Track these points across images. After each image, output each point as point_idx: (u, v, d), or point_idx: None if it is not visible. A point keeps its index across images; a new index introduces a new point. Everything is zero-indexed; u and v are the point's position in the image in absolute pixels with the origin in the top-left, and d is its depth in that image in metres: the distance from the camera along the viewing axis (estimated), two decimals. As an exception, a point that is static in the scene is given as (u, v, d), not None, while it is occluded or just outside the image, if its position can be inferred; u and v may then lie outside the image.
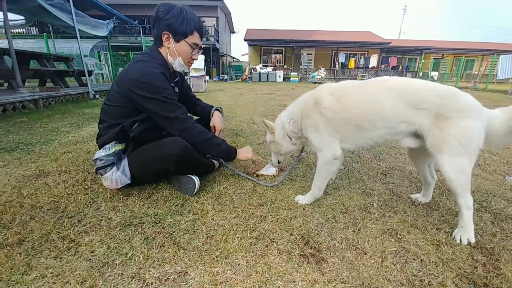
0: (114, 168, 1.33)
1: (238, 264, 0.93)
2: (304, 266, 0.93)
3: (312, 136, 1.31)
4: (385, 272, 0.92)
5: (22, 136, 2.48)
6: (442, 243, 1.08)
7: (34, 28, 13.44)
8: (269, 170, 1.77)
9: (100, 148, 1.36)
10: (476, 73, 19.85)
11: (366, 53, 19.39)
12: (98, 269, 0.89)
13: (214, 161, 1.70)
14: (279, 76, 15.33)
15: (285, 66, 18.45)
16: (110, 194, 1.40)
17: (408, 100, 1.08)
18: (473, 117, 1.02)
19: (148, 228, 1.12)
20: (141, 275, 0.87)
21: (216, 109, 1.80)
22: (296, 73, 15.60)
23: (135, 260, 0.93)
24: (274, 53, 20.01)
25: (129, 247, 1.00)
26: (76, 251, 0.97)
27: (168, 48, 1.37)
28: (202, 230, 1.12)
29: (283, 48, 19.70)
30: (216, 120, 1.73)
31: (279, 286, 0.85)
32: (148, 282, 0.84)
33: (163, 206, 1.30)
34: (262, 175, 1.73)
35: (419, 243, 1.07)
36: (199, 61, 7.50)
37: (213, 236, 1.09)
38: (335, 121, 1.22)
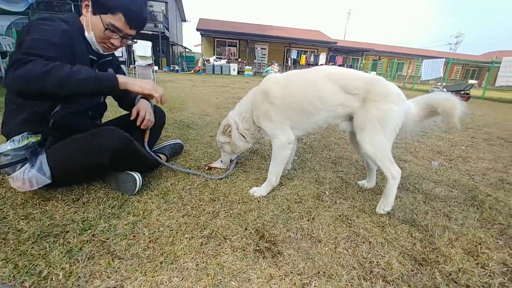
0: (27, 165, 1.06)
1: (187, 268, 0.82)
2: (260, 262, 0.88)
3: (265, 125, 1.34)
4: (339, 258, 0.92)
5: None
6: (386, 224, 1.14)
7: None
8: (219, 163, 1.67)
9: (7, 139, 1.07)
10: (405, 74, 22.85)
11: (316, 51, 20.49)
12: (-4, 298, 0.68)
13: (160, 155, 1.52)
14: (233, 69, 15.10)
15: (240, 60, 18.29)
16: (22, 199, 1.13)
17: (342, 86, 1.20)
18: (394, 102, 1.15)
19: (73, 237, 0.92)
20: (59, 297, 0.70)
21: (145, 99, 1.44)
22: (250, 67, 15.55)
23: (52, 279, 0.75)
24: (228, 46, 19.65)
25: (45, 264, 0.80)
26: (-38, 277, 0.73)
27: (85, 17, 1.11)
28: (144, 234, 0.97)
29: (237, 41, 19.47)
30: (141, 105, 1.38)
31: (233, 287, 0.77)
32: (68, 305, 0.68)
33: (95, 210, 1.09)
34: (214, 168, 1.62)
35: (367, 226, 1.12)
36: (146, 48, 6.84)
37: (157, 239, 0.95)
38: (283, 108, 1.28)
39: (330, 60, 19.39)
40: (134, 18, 1.11)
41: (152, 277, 0.78)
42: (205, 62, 15.79)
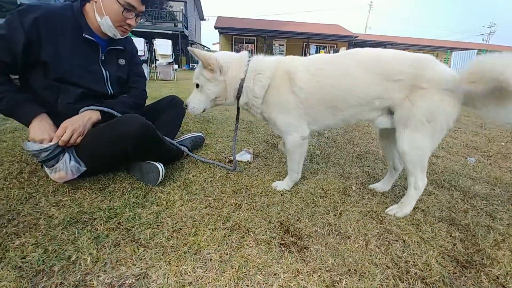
0: (66, 155, 1.09)
1: (210, 260, 0.80)
2: (285, 256, 0.84)
3: (278, 117, 1.15)
4: (370, 255, 0.86)
5: None
6: (421, 222, 1.06)
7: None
8: (244, 156, 1.64)
9: None
10: None
11: (335, 45, 19.91)
12: (30, 279, 0.70)
13: (183, 147, 1.52)
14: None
15: (258, 57, 18.21)
16: (53, 187, 1.17)
17: (381, 72, 0.99)
18: (447, 90, 0.91)
19: (100, 224, 0.94)
20: (87, 282, 0.70)
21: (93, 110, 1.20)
22: (268, 64, 15.50)
23: (80, 264, 0.76)
24: (246, 43, 19.63)
25: (74, 249, 0.81)
26: (2, 257, 0.76)
27: (95, 2, 1.12)
28: (168, 223, 0.96)
29: (255, 38, 19.39)
30: (67, 122, 1.10)
31: (258, 281, 0.74)
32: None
33: (120, 199, 1.11)
34: (238, 161, 1.60)
35: (400, 224, 1.04)
36: (166, 47, 6.99)
37: (180, 229, 0.94)
38: (308, 103, 1.10)
39: (351, 55, 18.82)
40: None
41: (176, 266, 0.77)
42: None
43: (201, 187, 1.25)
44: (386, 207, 1.16)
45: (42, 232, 0.88)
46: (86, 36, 1.14)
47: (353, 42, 19.65)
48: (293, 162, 1.23)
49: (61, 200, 1.08)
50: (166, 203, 1.10)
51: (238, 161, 1.60)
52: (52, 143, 1.07)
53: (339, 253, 0.87)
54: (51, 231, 0.89)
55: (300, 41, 19.47)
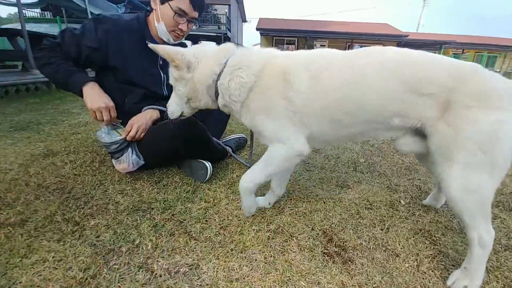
0: (129, 149, 1.25)
1: (256, 260, 0.84)
2: (329, 266, 0.83)
3: (263, 123, 0.89)
4: (423, 278, 0.81)
5: (33, 116, 2.44)
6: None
7: (47, 12, 13.50)
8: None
9: None
10: (499, 70, 18.86)
11: (382, 45, 18.67)
12: (103, 256, 0.81)
13: (228, 147, 1.59)
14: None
15: (298, 58, 18.01)
16: (118, 177, 1.33)
17: (407, 81, 0.74)
18: (506, 108, 0.66)
19: (157, 214, 1.04)
20: (149, 265, 0.79)
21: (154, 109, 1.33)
22: (308, 65, 15.24)
23: (142, 248, 0.86)
24: (287, 44, 19.53)
25: (137, 234, 0.92)
26: (80, 235, 0.90)
27: (155, 10, 1.24)
28: (215, 220, 1.03)
29: (296, 39, 19.19)
30: (134, 120, 1.25)
31: (302, 287, 0.75)
32: (156, 274, 0.76)
33: (173, 192, 1.22)
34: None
35: (457, 248, 0.95)
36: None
37: (226, 226, 1.00)
38: (305, 111, 0.85)
39: (400, 56, 17.46)
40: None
41: (224, 261, 0.82)
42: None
43: (244, 188, 1.31)
44: (441, 227, 1.07)
45: (111, 215, 1.02)
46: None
47: (403, 41, 18.20)
48: (268, 167, 0.93)
49: (125, 189, 1.22)
50: (213, 200, 1.17)
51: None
52: (120, 137, 1.22)
53: (387, 270, 0.83)
54: (118, 216, 1.02)
55: (343, 41, 18.69)
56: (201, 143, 1.30)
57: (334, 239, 0.96)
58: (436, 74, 0.73)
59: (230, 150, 1.58)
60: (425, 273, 0.83)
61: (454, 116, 0.70)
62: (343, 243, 0.95)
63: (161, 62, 1.36)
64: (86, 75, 1.21)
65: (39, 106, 2.93)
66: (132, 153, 1.28)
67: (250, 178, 0.95)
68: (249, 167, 1.16)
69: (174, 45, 1.38)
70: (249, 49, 0.97)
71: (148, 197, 1.16)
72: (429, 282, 0.79)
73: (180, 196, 1.19)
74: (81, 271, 0.75)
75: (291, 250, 0.90)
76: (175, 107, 1.01)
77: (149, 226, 0.96)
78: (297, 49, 19.13)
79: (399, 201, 1.27)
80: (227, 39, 18.25)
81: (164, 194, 1.20)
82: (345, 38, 18.29)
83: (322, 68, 0.84)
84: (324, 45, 19.07)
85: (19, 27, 3.90)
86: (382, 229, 1.04)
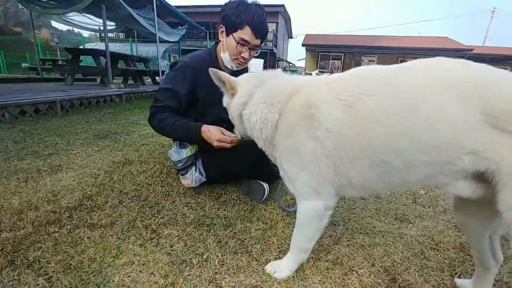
0: (193, 168, 1.39)
1: (316, 289, 0.85)
2: (395, 309, 0.80)
3: (291, 171, 0.79)
4: None
5: (110, 125, 2.86)
6: None
7: (121, 33, 15.75)
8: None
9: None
10: None
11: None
12: (178, 266, 0.91)
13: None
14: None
15: (343, 73, 17.61)
16: (183, 189, 1.48)
17: (488, 110, 0.54)
18: None
19: (220, 230, 1.13)
20: (217, 280, 0.86)
21: None
22: (354, 81, 14.76)
23: (210, 263, 0.94)
24: (332, 59, 19.30)
25: (204, 248, 1.01)
26: (157, 242, 1.03)
27: (221, 42, 1.36)
28: (274, 242, 1.07)
29: (342, 54, 18.85)
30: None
31: (366, 328, 0.74)
32: (224, 289, 0.83)
33: (232, 209, 1.30)
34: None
35: (553, 311, 0.83)
36: (259, 65, 7.67)
37: (285, 251, 1.03)
38: (340, 154, 0.69)
39: (461, 72, 15.79)
40: (258, 28, 1.28)
41: (285, 286, 0.85)
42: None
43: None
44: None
45: (181, 227, 1.13)
46: None
47: (465, 56, 16.46)
48: (303, 238, 0.88)
49: (189, 202, 1.35)
50: (270, 221, 1.22)
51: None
52: (185, 156, 1.36)
53: (463, 325, 0.76)
54: (186, 228, 1.13)
55: (395, 56, 17.71)
56: (265, 167, 1.38)
57: (398, 280, 0.92)
58: None
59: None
60: (512, 337, 0.74)
61: None
62: (408, 285, 0.90)
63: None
64: (192, 123, 1.32)
65: (113, 116, 3.41)
66: (196, 170, 1.41)
67: (297, 251, 0.90)
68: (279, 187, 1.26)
69: (237, 71, 1.52)
70: (281, 78, 0.87)
71: (210, 213, 1.27)
72: None
73: (239, 214, 1.27)
74: (161, 278, 0.85)
75: (352, 285, 0.88)
76: (236, 130, 1.07)
77: (214, 241, 1.05)
78: (343, 65, 18.74)
79: (467, 243, 1.15)
80: (272, 55, 18.81)
81: (225, 210, 1.29)
82: (397, 54, 17.32)
83: (359, 93, 0.65)
84: (373, 61, 18.32)
85: (99, 47, 4.61)
86: (452, 275, 0.96)
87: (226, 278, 0.88)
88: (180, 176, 1.45)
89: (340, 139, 0.67)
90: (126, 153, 2.00)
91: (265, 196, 1.35)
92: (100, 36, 15.46)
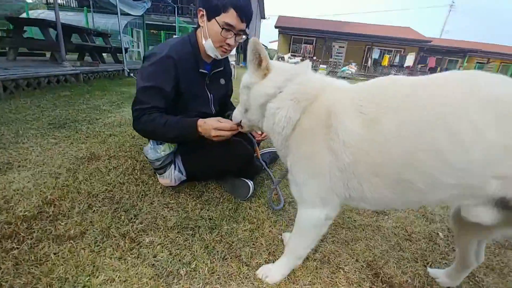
0: (172, 166, 1.29)
1: (308, 292, 0.86)
2: (380, 305, 0.85)
3: (300, 177, 0.77)
4: (475, 326, 0.81)
5: (68, 111, 2.53)
6: (534, 296, 0.95)
7: (73, 0, 13.76)
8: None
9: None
10: None
11: (402, 50, 18.21)
12: (164, 279, 0.85)
13: (264, 163, 1.61)
14: (307, 68, 14.92)
15: (315, 58, 17.79)
16: (160, 188, 1.38)
17: None
18: None
19: (206, 234, 1.08)
20: (208, 291, 0.83)
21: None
22: (325, 66, 15.00)
23: (199, 272, 0.89)
24: (304, 43, 19.31)
25: (191, 256, 0.96)
26: (138, 253, 0.94)
27: (202, 27, 1.22)
28: (262, 244, 1.06)
29: (314, 39, 18.93)
30: None
31: (356, 327, 0.77)
32: (216, 301, 0.80)
33: (216, 209, 1.25)
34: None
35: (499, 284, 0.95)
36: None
37: (274, 252, 1.02)
38: (355, 169, 0.66)
39: (420, 62, 17.00)
40: (244, 10, 1.16)
41: (278, 292, 0.85)
42: (279, 60, 15.97)
43: (283, 208, 1.33)
44: (483, 266, 1.07)
45: (163, 233, 1.06)
46: (201, 70, 1.30)
47: (425, 47, 17.69)
48: (302, 245, 0.87)
49: (169, 203, 1.27)
50: (257, 221, 1.20)
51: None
52: (163, 154, 1.25)
53: (438, 314, 0.84)
54: (169, 233, 1.06)
55: (363, 44, 18.33)
56: (250, 165, 1.33)
57: (380, 274, 0.98)
58: None
59: (264, 164, 1.60)
60: (478, 321, 0.83)
61: None
62: (389, 279, 0.96)
63: (207, 82, 1.37)
64: (185, 118, 1.20)
65: (71, 100, 3.02)
66: (175, 169, 1.32)
67: (292, 257, 0.90)
68: (274, 185, 1.26)
69: (217, 66, 1.40)
70: (311, 76, 0.81)
71: (193, 214, 1.20)
72: (483, 332, 0.80)
73: (224, 214, 1.22)
74: (147, 294, 0.79)
75: (340, 283, 0.91)
76: (236, 113, 0.99)
77: (201, 247, 1.00)
78: (315, 49, 18.87)
79: (437, 233, 1.27)
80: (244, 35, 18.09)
81: (208, 211, 1.24)
82: (365, 41, 17.92)
83: (383, 106, 0.62)
84: (343, 47, 18.75)
85: (45, 15, 3.96)
86: (424, 265, 1.05)
87: (217, 286, 0.84)
88: (158, 175, 1.34)
89: (357, 154, 0.64)
90: (91, 146, 1.79)
91: (250, 194, 1.32)
92: (47, 3, 13.36)
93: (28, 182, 1.29)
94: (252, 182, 1.34)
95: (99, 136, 1.99)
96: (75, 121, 2.26)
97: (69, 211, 1.13)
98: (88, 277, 0.83)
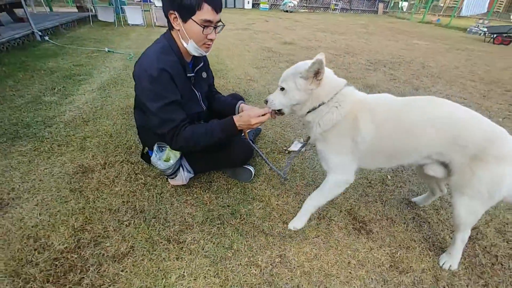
0: (181, 168, 1.43)
1: (317, 243, 1.28)
2: (360, 238, 1.32)
3: (330, 155, 1.18)
4: (411, 234, 1.36)
5: (4, 113, 2.16)
6: (439, 207, 1.56)
7: None
8: (298, 146, 2.00)
9: (144, 145, 1.47)
10: (442, 5, 20.00)
11: None
12: (221, 263, 1.14)
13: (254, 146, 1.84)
14: (248, 2, 13.69)
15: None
16: (171, 187, 1.53)
17: (453, 136, 1.00)
18: (510, 163, 0.96)
19: (231, 220, 1.36)
20: (254, 262, 1.16)
21: (242, 103, 1.57)
22: (267, 0, 13.98)
23: (241, 251, 1.20)
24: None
25: (229, 240, 1.25)
26: (190, 250, 1.19)
27: (178, 30, 1.20)
28: (275, 217, 1.40)
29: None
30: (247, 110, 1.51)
31: (349, 255, 1.23)
32: (262, 267, 1.14)
33: (228, 197, 1.50)
34: (292, 151, 1.97)
35: (425, 209, 1.54)
36: None
37: (286, 221, 1.38)
38: (365, 152, 1.13)
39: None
40: (215, 1, 1.17)
41: (299, 248, 1.24)
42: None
43: (278, 182, 1.66)
44: (414, 194, 1.64)
45: (197, 229, 1.30)
46: (189, 75, 1.32)
47: None
48: (322, 200, 1.27)
49: (187, 200, 1.46)
50: (264, 198, 1.51)
51: (293, 151, 1.97)
52: (173, 162, 1.38)
53: (391, 233, 1.36)
54: (203, 228, 1.30)
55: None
56: (250, 158, 1.56)
57: (357, 217, 1.44)
58: (475, 134, 0.98)
59: (255, 146, 1.84)
60: (410, 231, 1.38)
61: (477, 165, 0.98)
62: (362, 219, 1.44)
63: (193, 81, 1.40)
64: (219, 121, 1.30)
65: (-6, 93, 2.50)
66: (184, 170, 1.47)
67: (311, 209, 1.31)
68: (290, 160, 1.56)
69: (198, 63, 1.41)
70: (349, 91, 1.13)
71: (212, 205, 1.44)
72: (414, 236, 1.35)
73: (237, 198, 1.49)
74: (215, 277, 1.08)
75: (334, 231, 1.35)
76: (278, 103, 1.18)
77: (233, 231, 1.29)
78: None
79: (387, 177, 1.79)
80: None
81: (223, 199, 1.48)
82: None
83: (384, 119, 1.07)
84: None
85: None
86: (382, 203, 1.56)
87: (259, 257, 1.18)
88: (169, 179, 1.48)
89: (369, 144, 1.10)
90: (73, 157, 1.72)
91: (252, 177, 1.59)
92: None
93: (40, 214, 1.30)
94: (252, 167, 1.59)
95: (72, 142, 1.87)
96: (28, 126, 2.01)
97: (105, 231, 1.24)
98: (163, 280, 1.06)
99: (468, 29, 10.73)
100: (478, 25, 10.55)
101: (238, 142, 1.43)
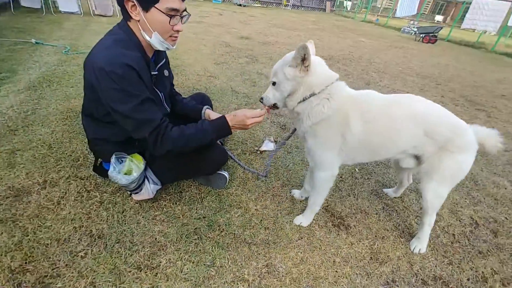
0: (146, 181, 1.25)
1: (302, 245, 1.25)
2: (340, 234, 1.34)
3: (318, 151, 1.18)
4: (383, 224, 1.44)
5: None
6: (403, 195, 1.68)
7: None
8: (269, 145, 1.96)
9: (96, 157, 1.29)
10: (379, 6, 21.98)
11: None
12: (204, 284, 1.03)
13: (227, 149, 1.73)
14: (198, -7, 13.05)
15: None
16: (133, 202, 1.34)
17: (427, 130, 1.10)
18: (471, 153, 1.12)
19: (209, 232, 1.24)
20: (240, 277, 1.08)
21: (208, 108, 1.49)
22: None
23: (225, 266, 1.11)
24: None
25: (210, 257, 1.14)
26: (166, 276, 1.04)
27: (138, 21, 1.03)
28: (256, 223, 1.33)
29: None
30: (212, 116, 1.43)
31: (333, 253, 1.24)
32: (250, 281, 1.07)
33: (203, 207, 1.38)
34: (264, 151, 1.92)
35: (393, 199, 1.64)
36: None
37: (267, 227, 1.32)
38: (352, 147, 1.15)
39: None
40: None
41: (284, 254, 1.19)
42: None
43: (255, 184, 1.59)
44: (380, 185, 1.75)
45: (171, 248, 1.15)
46: (153, 73, 1.14)
47: None
48: (319, 197, 1.31)
49: (156, 215, 1.29)
50: (240, 204, 1.43)
51: (264, 151, 1.92)
52: (136, 175, 1.19)
53: (367, 226, 1.42)
54: (178, 246, 1.16)
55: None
56: (224, 164, 1.44)
57: (334, 214, 1.46)
58: (444, 128, 1.10)
59: (231, 154, 1.74)
60: (382, 220, 1.46)
61: (443, 154, 1.11)
62: (339, 214, 1.47)
63: (155, 80, 1.23)
64: (210, 120, 1.23)
65: None
66: (149, 182, 1.29)
67: (314, 206, 1.34)
68: (273, 153, 1.63)
69: (160, 61, 1.24)
70: (340, 85, 1.13)
71: (186, 218, 1.30)
72: (387, 226, 1.43)
73: (212, 208, 1.38)
74: (198, 303, 0.97)
75: (315, 230, 1.34)
76: (273, 98, 1.15)
77: (213, 246, 1.18)
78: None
79: (355, 169, 1.87)
80: None
81: (197, 210, 1.35)
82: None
83: (372, 116, 1.11)
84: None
85: None
86: (354, 197, 1.62)
87: (245, 270, 1.10)
88: (133, 195, 1.28)
89: (356, 139, 1.13)
90: (0, 177, 1.37)
91: (227, 182, 1.49)
92: None
93: (-44, 258, 0.99)
94: (226, 172, 1.49)
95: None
96: None
97: (53, 269, 1.01)
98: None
99: (402, 29, 12.07)
100: (410, 26, 11.95)
101: (212, 147, 1.31)
